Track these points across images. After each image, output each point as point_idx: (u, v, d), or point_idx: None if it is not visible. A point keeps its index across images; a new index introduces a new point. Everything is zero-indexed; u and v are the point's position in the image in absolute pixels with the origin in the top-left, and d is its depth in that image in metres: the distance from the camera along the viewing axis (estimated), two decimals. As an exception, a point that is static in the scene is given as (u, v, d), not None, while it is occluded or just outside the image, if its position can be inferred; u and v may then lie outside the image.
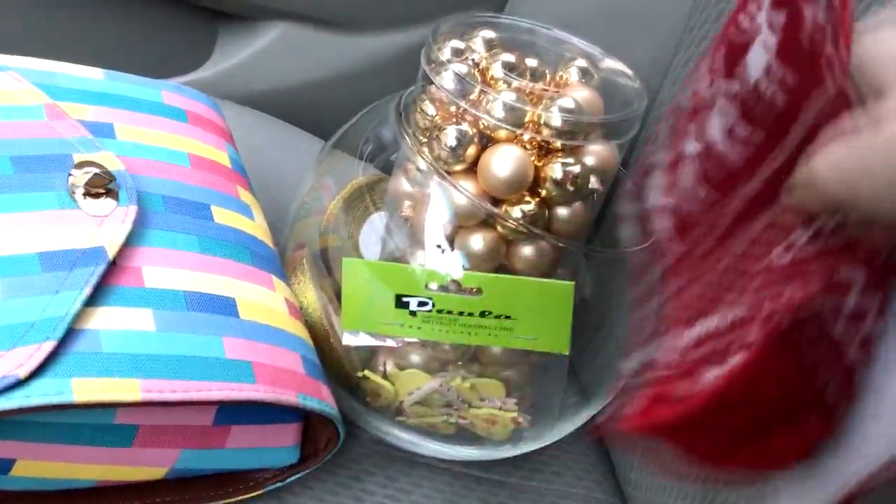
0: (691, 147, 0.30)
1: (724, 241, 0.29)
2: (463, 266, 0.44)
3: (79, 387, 0.33)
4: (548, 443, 0.48)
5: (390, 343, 0.45)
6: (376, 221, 0.48)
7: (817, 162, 0.24)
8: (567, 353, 0.43)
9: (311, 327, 0.46)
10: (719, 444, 0.27)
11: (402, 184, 0.47)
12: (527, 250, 0.44)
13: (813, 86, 0.26)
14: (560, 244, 0.43)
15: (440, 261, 0.44)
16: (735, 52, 0.28)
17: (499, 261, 0.44)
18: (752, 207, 0.27)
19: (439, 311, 0.42)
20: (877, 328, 0.25)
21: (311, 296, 0.47)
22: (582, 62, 0.47)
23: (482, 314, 0.42)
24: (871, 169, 0.22)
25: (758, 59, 0.27)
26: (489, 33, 0.48)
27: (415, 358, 0.46)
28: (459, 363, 0.46)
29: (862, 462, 0.25)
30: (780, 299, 0.24)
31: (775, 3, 0.26)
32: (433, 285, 0.42)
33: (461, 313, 0.42)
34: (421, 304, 0.42)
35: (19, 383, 0.32)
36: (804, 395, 0.25)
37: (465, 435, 0.47)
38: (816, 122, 0.25)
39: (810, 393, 0.25)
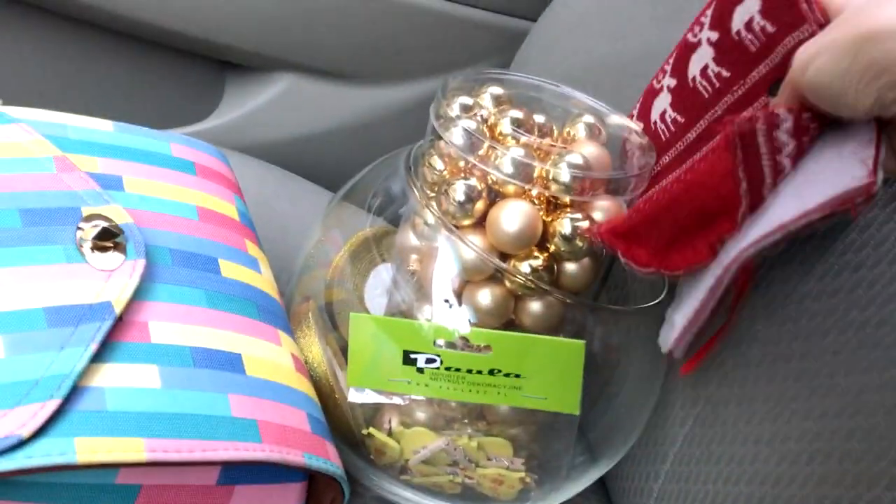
0: (670, 81, 0.43)
1: (685, 156, 0.42)
2: (470, 321, 0.43)
3: (82, 447, 0.32)
4: (555, 503, 0.48)
5: (397, 400, 0.44)
6: (382, 273, 0.48)
7: (798, 53, 0.33)
8: (577, 413, 0.43)
9: (316, 382, 0.45)
10: (654, 245, 0.38)
11: (410, 237, 0.47)
12: (535, 306, 0.44)
13: (787, 32, 0.36)
14: (569, 300, 0.43)
15: (447, 316, 0.44)
16: (724, 7, 0.38)
17: (507, 316, 0.44)
18: (714, 129, 0.37)
19: (447, 369, 0.42)
20: (786, 162, 0.35)
21: (316, 350, 0.47)
22: (589, 118, 0.47)
23: (491, 372, 0.42)
24: (819, 52, 0.32)
25: (742, 14, 0.38)
26: (497, 89, 0.48)
27: (420, 415, 0.45)
28: (466, 420, 0.45)
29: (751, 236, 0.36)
30: (731, 122, 0.34)
31: (710, 25, 0.38)
32: (441, 342, 0.42)
33: (470, 371, 0.42)
34: (429, 360, 0.42)
35: (21, 443, 0.32)
36: (730, 197, 0.35)
37: (470, 494, 0.46)
38: (784, 58, 0.36)
39: (734, 196, 0.35)
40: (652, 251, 0.39)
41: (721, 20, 0.40)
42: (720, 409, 0.44)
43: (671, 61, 0.45)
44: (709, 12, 0.41)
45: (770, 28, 0.36)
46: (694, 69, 0.42)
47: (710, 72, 0.40)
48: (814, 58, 0.32)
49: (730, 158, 0.35)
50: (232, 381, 0.38)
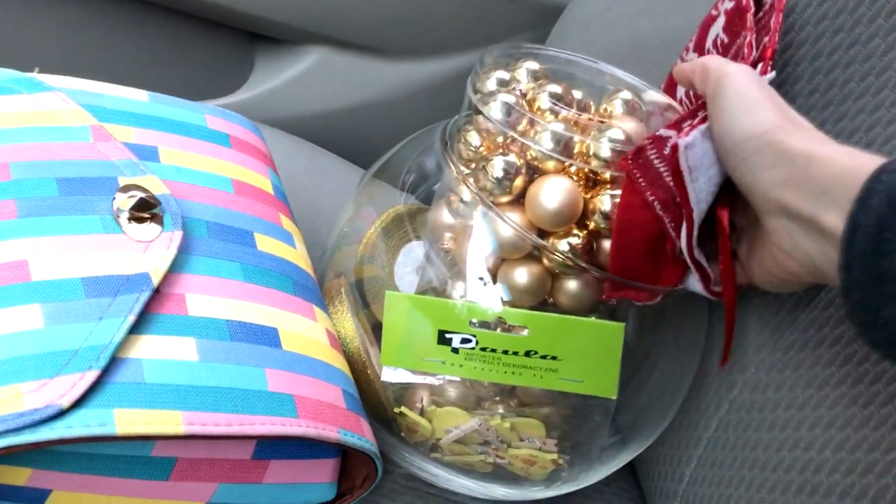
0: (693, 56, 0.48)
1: None
2: (503, 299, 0.43)
3: (121, 418, 0.32)
4: (584, 485, 0.47)
5: (430, 380, 0.44)
6: (415, 250, 0.47)
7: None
8: (615, 397, 0.42)
9: (349, 358, 0.45)
10: (645, 275, 0.42)
11: (444, 214, 0.46)
12: (572, 285, 0.43)
13: (735, 40, 0.44)
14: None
15: (482, 294, 0.43)
16: (704, 30, 0.47)
17: (543, 295, 0.43)
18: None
19: (483, 349, 0.41)
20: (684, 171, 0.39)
21: (348, 326, 0.46)
22: (627, 94, 0.46)
23: (527, 353, 0.41)
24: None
25: (713, 33, 0.46)
26: (533, 64, 0.47)
27: (452, 393, 0.45)
28: (497, 398, 0.45)
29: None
30: (625, 158, 0.40)
31: None
32: (477, 322, 0.41)
33: (505, 352, 0.41)
34: (464, 340, 0.41)
35: (61, 413, 0.31)
36: (652, 220, 0.40)
37: (501, 474, 0.46)
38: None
39: (656, 218, 0.40)
40: (646, 278, 0.42)
41: None
42: (758, 394, 0.44)
43: (693, 38, 0.47)
44: None
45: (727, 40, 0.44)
46: (709, 41, 0.45)
47: (718, 39, 0.44)
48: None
49: (634, 189, 0.39)
50: (268, 356, 0.37)
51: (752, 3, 0.44)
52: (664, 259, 0.41)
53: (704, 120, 0.39)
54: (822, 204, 0.34)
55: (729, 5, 0.46)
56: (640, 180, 0.40)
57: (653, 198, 0.40)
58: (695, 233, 0.40)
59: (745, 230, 0.42)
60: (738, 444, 0.44)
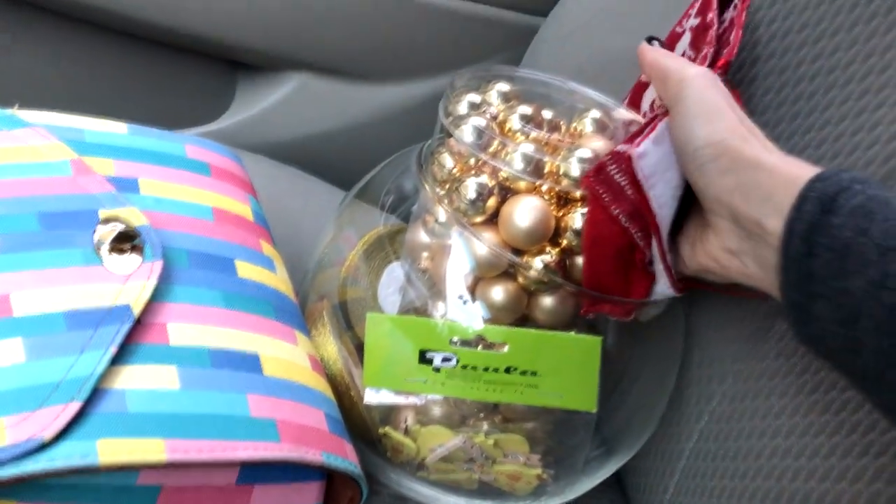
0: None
1: None
2: (483, 317, 0.43)
3: (104, 448, 0.33)
4: (570, 498, 0.48)
5: (413, 400, 0.44)
6: (396, 271, 0.48)
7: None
8: (595, 410, 0.43)
9: (332, 381, 0.45)
10: (616, 288, 0.42)
11: (420, 234, 0.47)
12: (548, 301, 0.44)
13: (698, 55, 0.45)
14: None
15: (462, 312, 0.44)
16: (671, 48, 0.47)
17: (520, 311, 0.44)
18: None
19: (464, 367, 0.42)
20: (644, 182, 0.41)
21: (331, 349, 0.47)
22: (596, 113, 0.47)
23: (507, 370, 0.42)
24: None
25: (680, 49, 0.48)
26: (504, 86, 0.48)
27: (436, 411, 0.45)
28: (482, 414, 0.46)
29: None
30: (588, 176, 0.41)
31: (696, 15, 0.47)
32: (456, 339, 0.42)
33: (486, 369, 0.42)
34: (445, 359, 0.42)
35: (44, 445, 0.32)
36: (619, 233, 0.41)
37: (487, 490, 0.46)
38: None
39: (623, 231, 0.41)
40: (618, 292, 0.43)
41: (704, 9, 0.45)
42: (737, 403, 0.44)
43: None
44: (697, 4, 0.46)
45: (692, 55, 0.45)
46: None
47: (686, 56, 0.45)
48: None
49: (600, 205, 0.41)
50: (250, 381, 0.38)
51: (715, 20, 0.45)
52: (634, 270, 0.42)
53: (654, 128, 0.41)
54: (765, 210, 0.36)
55: (694, 22, 0.47)
56: (605, 196, 0.41)
57: (618, 211, 0.41)
58: (664, 238, 0.41)
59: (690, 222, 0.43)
60: (720, 454, 0.45)
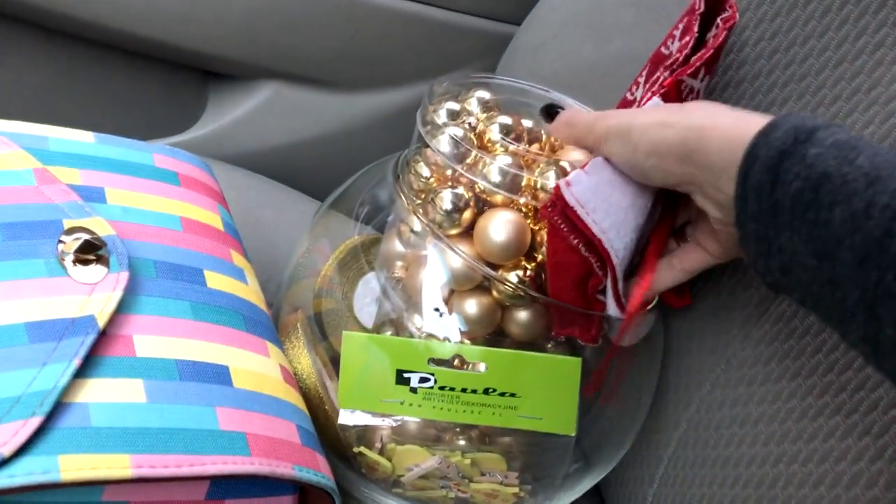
0: (641, 93, 0.47)
1: None
2: (461, 329, 0.43)
3: (66, 464, 0.32)
4: (548, 513, 0.47)
5: (388, 422, 0.43)
6: (371, 282, 0.47)
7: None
8: (574, 433, 0.42)
9: (306, 394, 0.44)
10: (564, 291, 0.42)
11: (395, 245, 0.46)
12: (522, 315, 0.43)
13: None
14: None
15: (438, 325, 0.43)
16: (655, 66, 0.45)
17: (494, 325, 0.43)
18: None
19: (441, 388, 0.41)
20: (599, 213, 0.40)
21: (305, 361, 0.46)
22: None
23: (486, 391, 0.41)
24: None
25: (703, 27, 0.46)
26: (484, 94, 0.48)
27: (412, 427, 0.44)
28: (458, 429, 0.45)
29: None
30: (545, 206, 0.41)
31: (680, 37, 0.45)
32: (434, 360, 0.41)
33: (464, 390, 0.41)
34: (423, 379, 0.41)
35: (3, 462, 0.31)
36: (578, 262, 0.41)
37: (464, 505, 0.46)
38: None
39: (582, 260, 0.41)
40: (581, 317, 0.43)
41: (685, 33, 0.45)
42: (714, 411, 0.44)
43: (644, 73, 0.47)
44: (681, 25, 0.45)
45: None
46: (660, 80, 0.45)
47: (661, 78, 0.45)
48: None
49: (559, 235, 0.40)
50: (219, 394, 0.37)
51: (690, 43, 0.45)
52: (593, 298, 0.42)
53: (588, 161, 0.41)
54: (721, 166, 0.35)
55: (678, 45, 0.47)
56: (562, 226, 0.40)
57: (576, 241, 0.40)
58: (617, 267, 0.41)
59: (693, 215, 0.43)
60: (698, 461, 0.44)
